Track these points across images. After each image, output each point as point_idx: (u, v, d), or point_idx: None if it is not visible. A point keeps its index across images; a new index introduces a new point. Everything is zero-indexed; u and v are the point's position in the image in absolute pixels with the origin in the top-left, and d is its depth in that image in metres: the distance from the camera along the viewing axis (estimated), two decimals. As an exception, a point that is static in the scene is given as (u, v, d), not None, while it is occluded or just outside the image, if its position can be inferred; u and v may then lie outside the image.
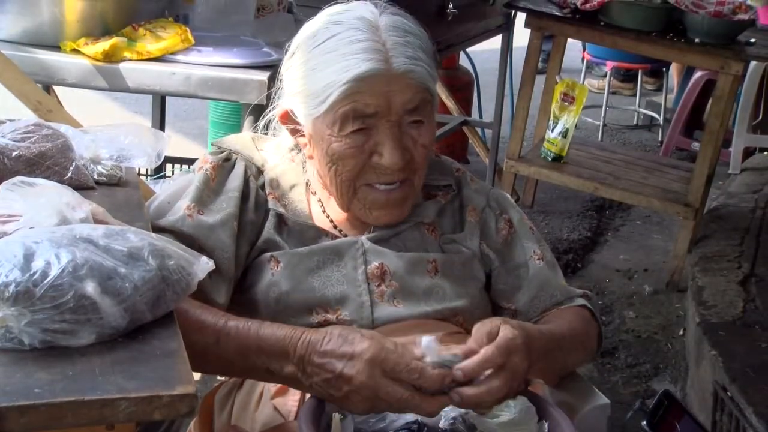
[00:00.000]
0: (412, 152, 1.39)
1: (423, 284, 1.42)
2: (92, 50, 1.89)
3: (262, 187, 1.47)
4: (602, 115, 5.20)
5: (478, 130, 4.36)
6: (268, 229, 1.43)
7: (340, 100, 1.33)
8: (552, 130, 3.64)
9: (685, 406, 1.71)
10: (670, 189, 3.61)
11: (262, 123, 1.54)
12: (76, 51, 1.92)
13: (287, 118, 1.44)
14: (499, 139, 4.02)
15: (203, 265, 1.12)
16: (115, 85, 1.91)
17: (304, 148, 1.46)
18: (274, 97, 1.49)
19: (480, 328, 1.22)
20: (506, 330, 1.21)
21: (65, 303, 0.94)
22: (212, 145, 1.54)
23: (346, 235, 1.46)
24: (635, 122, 5.56)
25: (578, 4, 3.41)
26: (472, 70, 4.50)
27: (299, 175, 1.49)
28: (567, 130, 3.61)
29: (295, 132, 1.45)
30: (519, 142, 3.70)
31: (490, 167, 4.02)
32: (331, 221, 1.47)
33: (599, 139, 5.12)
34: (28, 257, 0.95)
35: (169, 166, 3.05)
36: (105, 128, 1.54)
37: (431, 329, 1.37)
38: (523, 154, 3.72)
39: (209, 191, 1.43)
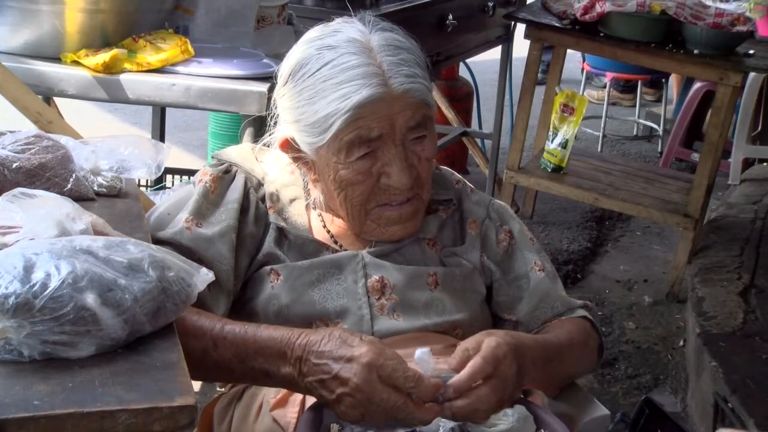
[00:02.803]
0: (418, 168, 1.39)
1: (423, 297, 1.42)
2: (92, 62, 1.89)
3: (263, 199, 1.46)
4: (602, 125, 5.20)
5: (478, 140, 4.36)
6: (269, 243, 1.43)
7: (343, 128, 1.33)
8: (551, 141, 3.63)
9: (666, 412, 1.70)
10: (670, 200, 3.61)
11: (259, 145, 1.52)
12: (76, 62, 1.92)
13: (288, 146, 1.43)
14: (499, 150, 4.02)
15: (203, 277, 1.12)
16: (116, 97, 1.91)
17: (308, 173, 1.46)
18: (270, 123, 1.48)
19: (462, 344, 1.23)
20: (490, 340, 1.22)
21: (65, 315, 0.94)
22: (212, 157, 1.54)
23: (346, 250, 1.46)
24: (635, 133, 5.56)
25: (578, 15, 3.41)
26: (471, 81, 4.51)
27: (299, 188, 1.49)
28: (567, 141, 3.60)
29: (297, 159, 1.44)
30: (518, 153, 3.69)
31: (489, 178, 4.02)
32: (332, 236, 1.47)
33: (599, 149, 5.11)
34: (28, 269, 0.95)
35: (168, 177, 3.05)
36: (105, 139, 1.54)
37: (431, 342, 1.36)
38: (522, 165, 3.72)
39: (208, 203, 1.43)
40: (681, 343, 3.15)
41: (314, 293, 1.39)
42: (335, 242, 1.47)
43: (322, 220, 1.48)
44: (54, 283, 0.94)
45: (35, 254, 0.97)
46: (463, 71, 4.56)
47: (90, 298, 0.96)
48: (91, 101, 1.99)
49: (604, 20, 3.40)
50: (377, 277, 1.41)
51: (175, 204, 1.45)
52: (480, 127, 4.61)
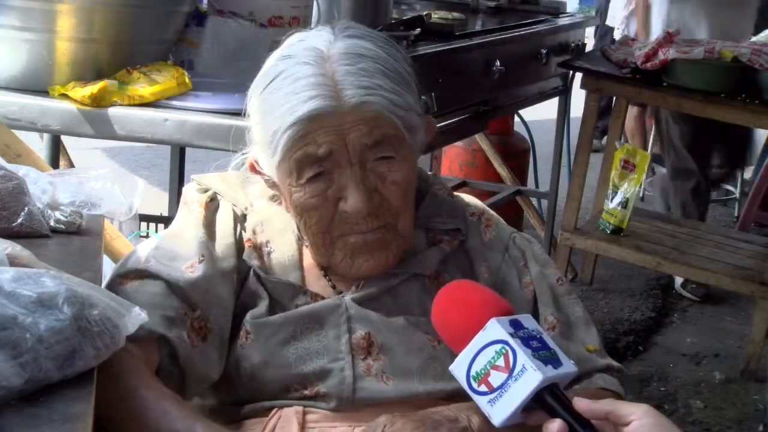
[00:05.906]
0: (382, 192, 1.21)
1: (418, 359, 1.22)
2: (79, 93, 1.75)
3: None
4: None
5: (534, 200, 4.13)
6: (252, 280, 1.28)
7: (290, 147, 1.18)
8: (611, 200, 3.39)
9: None
10: (744, 266, 3.30)
11: (231, 167, 1.38)
12: (64, 96, 1.79)
13: (254, 168, 1.29)
14: (556, 211, 3.78)
15: (135, 318, 1.00)
16: (103, 132, 1.77)
17: (281, 198, 1.31)
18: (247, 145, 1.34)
19: None
20: None
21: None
22: (193, 180, 1.38)
23: (334, 286, 1.28)
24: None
25: (638, 63, 3.19)
26: (528, 137, 4.27)
27: (288, 218, 1.32)
28: (627, 200, 3.35)
29: (267, 182, 1.30)
30: (575, 212, 3.43)
31: (545, 240, 3.78)
32: (323, 269, 1.30)
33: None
34: None
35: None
36: (75, 172, 1.47)
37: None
38: (580, 225, 3.46)
39: (208, 240, 1.28)
40: (760, 428, 2.86)
41: (289, 353, 1.22)
42: (326, 276, 1.29)
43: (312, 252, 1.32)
44: None
45: None
46: (518, 126, 4.34)
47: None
48: (81, 137, 1.85)
49: (668, 68, 3.15)
50: (362, 333, 1.23)
51: (175, 239, 1.29)
52: (537, 185, 4.36)
